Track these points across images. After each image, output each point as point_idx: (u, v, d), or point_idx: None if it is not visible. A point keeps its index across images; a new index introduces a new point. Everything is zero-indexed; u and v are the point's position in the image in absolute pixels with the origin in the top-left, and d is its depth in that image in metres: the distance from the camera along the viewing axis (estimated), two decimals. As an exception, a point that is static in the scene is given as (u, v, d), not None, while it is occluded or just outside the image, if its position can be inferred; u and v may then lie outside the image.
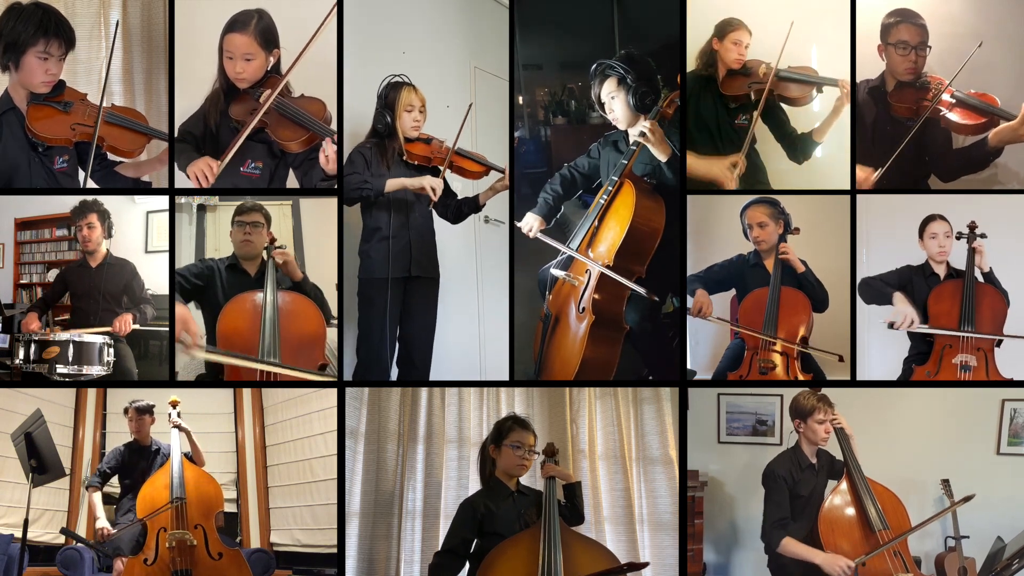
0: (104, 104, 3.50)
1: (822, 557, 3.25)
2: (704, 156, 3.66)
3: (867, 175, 3.60)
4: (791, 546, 3.32)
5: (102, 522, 3.67)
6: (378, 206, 3.63)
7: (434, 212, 3.76)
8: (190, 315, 3.45)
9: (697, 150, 3.66)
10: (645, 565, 3.47)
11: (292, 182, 3.65)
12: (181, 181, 3.58)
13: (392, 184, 3.59)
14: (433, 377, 3.78)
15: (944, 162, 3.68)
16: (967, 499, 3.46)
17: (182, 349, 3.40)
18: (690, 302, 3.63)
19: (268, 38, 3.52)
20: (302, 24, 3.52)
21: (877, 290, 3.63)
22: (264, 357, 3.43)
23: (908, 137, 3.55)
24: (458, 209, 3.81)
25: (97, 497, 3.77)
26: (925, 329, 3.58)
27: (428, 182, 3.58)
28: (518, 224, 3.68)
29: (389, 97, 3.64)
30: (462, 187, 3.86)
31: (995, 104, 3.53)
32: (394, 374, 3.71)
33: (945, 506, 3.68)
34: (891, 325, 3.58)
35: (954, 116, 3.56)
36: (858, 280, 3.65)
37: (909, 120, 3.61)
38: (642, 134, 3.48)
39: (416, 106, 3.67)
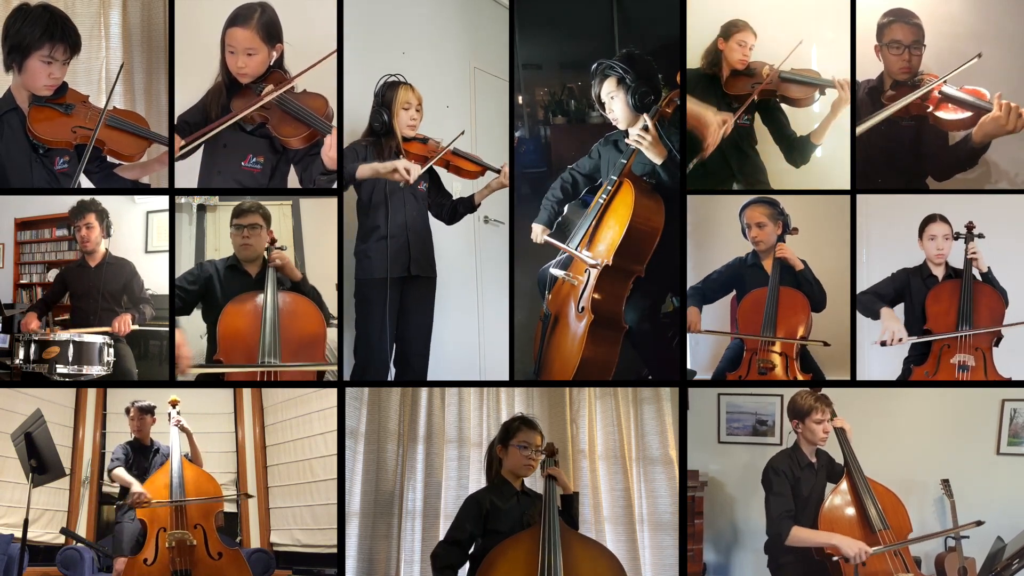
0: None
1: (839, 538, 3.24)
2: (701, 103, 3.65)
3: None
4: (802, 534, 3.31)
5: (137, 486, 3.61)
6: (374, 206, 3.61)
7: (429, 212, 3.76)
8: (184, 339, 3.47)
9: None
10: None
11: (293, 177, 3.65)
12: (181, 181, 3.58)
13: (363, 170, 3.54)
14: (433, 377, 3.78)
15: (938, 160, 3.68)
16: (978, 523, 3.48)
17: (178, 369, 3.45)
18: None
19: (271, 32, 3.51)
20: (305, 19, 3.52)
21: (867, 305, 3.64)
22: (264, 358, 3.43)
23: (898, 105, 3.52)
24: (453, 209, 3.80)
25: (122, 471, 3.73)
26: (915, 339, 3.58)
27: (401, 164, 3.53)
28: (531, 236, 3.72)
29: (386, 96, 3.63)
30: (461, 187, 3.86)
31: (983, 99, 3.50)
32: (391, 374, 3.70)
33: (945, 506, 3.70)
34: (883, 344, 3.59)
35: (941, 113, 3.55)
36: (858, 280, 3.65)
37: (904, 120, 3.61)
38: (637, 140, 3.48)
39: (413, 104, 3.65)
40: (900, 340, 3.56)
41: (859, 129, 3.56)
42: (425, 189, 3.73)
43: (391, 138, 3.63)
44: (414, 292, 3.71)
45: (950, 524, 3.68)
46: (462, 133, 3.68)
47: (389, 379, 3.69)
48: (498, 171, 3.67)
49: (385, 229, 3.61)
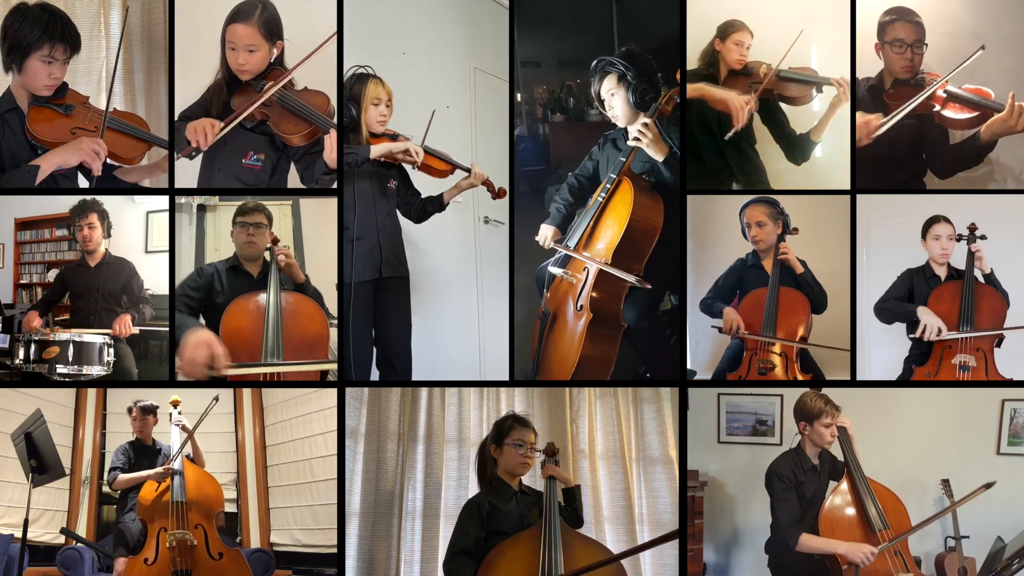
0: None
1: (845, 546, 3.25)
2: (721, 87, 3.66)
3: (869, 120, 3.58)
4: (811, 541, 3.31)
5: (150, 473, 3.62)
6: (344, 207, 3.55)
7: (398, 210, 3.71)
8: (214, 338, 3.29)
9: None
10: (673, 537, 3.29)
11: (293, 175, 3.64)
12: (181, 181, 3.58)
13: (376, 150, 3.49)
14: (433, 377, 3.77)
15: (940, 158, 3.68)
16: (988, 486, 3.43)
17: (211, 373, 3.25)
18: (698, 318, 3.69)
19: (271, 30, 3.50)
20: (305, 17, 3.51)
21: (896, 311, 3.64)
22: (267, 358, 3.43)
23: (916, 100, 3.52)
24: (422, 208, 3.73)
25: (123, 476, 3.75)
26: (955, 334, 3.57)
27: (412, 146, 3.51)
28: (536, 238, 3.70)
29: (355, 89, 3.53)
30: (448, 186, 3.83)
31: (989, 98, 3.52)
32: (374, 377, 3.68)
33: (945, 506, 3.69)
34: (919, 339, 3.57)
35: (948, 112, 3.56)
36: (858, 281, 3.65)
37: (906, 119, 3.61)
38: (636, 138, 3.48)
39: (383, 100, 3.56)
40: (940, 332, 3.55)
41: (872, 136, 3.56)
42: (395, 187, 3.68)
43: (357, 134, 3.54)
44: (388, 293, 3.65)
45: (950, 524, 3.68)
46: (433, 114, 3.61)
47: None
48: (468, 169, 3.61)
49: (354, 231, 3.54)
